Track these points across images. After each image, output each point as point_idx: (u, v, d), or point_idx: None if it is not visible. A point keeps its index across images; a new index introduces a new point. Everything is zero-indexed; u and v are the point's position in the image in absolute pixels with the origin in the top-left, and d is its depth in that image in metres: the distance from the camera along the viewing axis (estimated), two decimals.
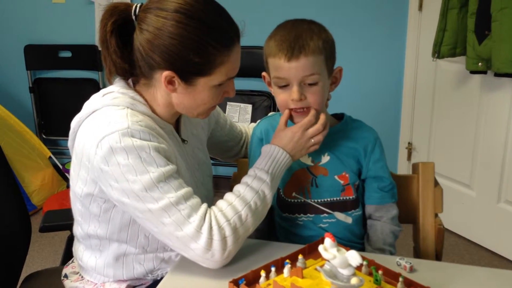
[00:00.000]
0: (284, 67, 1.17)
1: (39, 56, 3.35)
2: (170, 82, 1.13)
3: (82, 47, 3.28)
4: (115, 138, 1.07)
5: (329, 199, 1.27)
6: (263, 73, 1.28)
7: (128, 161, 1.06)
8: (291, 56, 1.15)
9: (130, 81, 1.21)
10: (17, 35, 3.37)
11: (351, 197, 1.28)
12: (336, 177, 1.27)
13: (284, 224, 1.32)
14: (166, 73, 1.11)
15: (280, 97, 1.21)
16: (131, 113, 1.12)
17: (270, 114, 1.46)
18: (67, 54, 3.33)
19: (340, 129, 1.30)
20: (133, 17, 1.12)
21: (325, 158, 1.27)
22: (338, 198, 1.28)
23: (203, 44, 1.08)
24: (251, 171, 1.19)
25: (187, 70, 1.11)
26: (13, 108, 3.01)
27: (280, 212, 1.32)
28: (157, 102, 1.19)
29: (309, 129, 1.20)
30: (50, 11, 3.30)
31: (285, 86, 1.19)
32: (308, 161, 1.28)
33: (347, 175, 1.27)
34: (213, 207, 1.13)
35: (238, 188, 1.17)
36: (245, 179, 1.18)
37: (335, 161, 1.27)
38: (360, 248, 1.30)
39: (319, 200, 1.27)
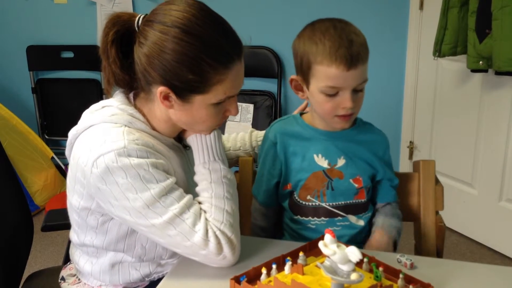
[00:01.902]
0: (341, 77, 1.13)
1: (41, 56, 3.37)
2: (165, 98, 1.10)
3: (84, 48, 3.29)
4: (111, 157, 1.05)
5: (342, 202, 1.27)
6: (293, 77, 1.23)
7: (127, 180, 1.06)
8: (351, 65, 1.12)
9: (131, 95, 1.19)
10: (20, 36, 3.38)
11: (362, 200, 1.28)
12: (351, 180, 1.26)
13: (294, 226, 1.31)
14: (161, 88, 1.08)
15: (328, 105, 1.17)
16: (127, 131, 1.10)
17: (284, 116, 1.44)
18: (69, 54, 3.34)
19: (354, 132, 1.29)
20: (136, 29, 1.10)
21: (341, 161, 1.26)
22: (351, 201, 1.28)
23: (197, 61, 1.05)
24: (203, 170, 1.17)
25: (182, 87, 1.08)
26: (15, 109, 3.02)
27: (291, 214, 1.31)
28: (156, 117, 1.17)
29: None
30: (52, 12, 3.31)
31: (334, 94, 1.16)
32: (325, 163, 1.26)
33: (361, 179, 1.27)
34: (204, 214, 1.12)
35: (202, 187, 1.16)
36: (204, 177, 1.17)
37: (350, 164, 1.26)
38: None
39: (334, 204, 1.27)
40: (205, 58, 1.05)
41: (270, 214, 1.37)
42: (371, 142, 1.29)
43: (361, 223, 1.29)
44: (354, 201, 1.28)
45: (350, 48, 1.12)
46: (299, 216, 1.29)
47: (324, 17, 1.20)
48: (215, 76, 1.07)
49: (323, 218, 1.27)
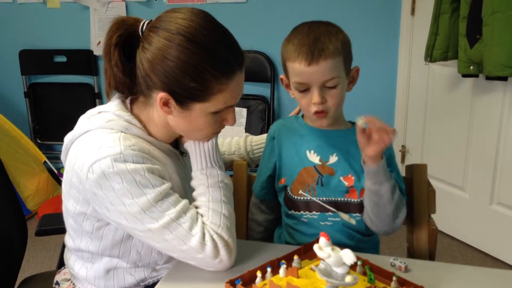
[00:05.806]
0: (304, 72, 1.16)
1: (34, 61, 3.36)
2: (165, 104, 1.11)
3: (77, 52, 3.29)
4: (107, 163, 1.06)
5: (333, 199, 1.29)
6: (281, 76, 1.29)
7: (123, 185, 1.06)
8: (311, 60, 1.15)
9: (128, 101, 1.20)
10: (12, 40, 3.38)
11: (355, 200, 1.28)
12: (341, 178, 1.28)
13: (290, 222, 1.34)
14: (161, 94, 1.09)
15: (302, 101, 1.22)
16: (123, 136, 1.11)
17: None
18: (62, 59, 3.34)
19: (350, 132, 1.29)
20: (140, 34, 1.11)
21: (333, 159, 1.28)
22: (342, 199, 1.29)
23: (200, 70, 1.06)
24: (200, 175, 1.19)
25: (183, 94, 1.08)
26: (8, 113, 3.01)
27: (286, 209, 1.34)
28: (154, 122, 1.18)
29: None
30: (45, 16, 3.31)
31: (305, 90, 1.20)
32: (316, 160, 1.29)
33: (352, 178, 1.28)
34: (201, 218, 1.13)
35: (200, 192, 1.17)
36: (201, 182, 1.18)
37: (343, 162, 1.28)
38: (367, 241, 1.32)
39: (324, 199, 1.29)
40: (208, 67, 1.06)
41: (264, 208, 1.41)
42: None
43: (352, 221, 1.29)
44: (345, 199, 1.29)
45: (314, 45, 1.15)
46: (293, 211, 1.32)
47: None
48: (216, 86, 1.08)
49: (314, 212, 1.30)
